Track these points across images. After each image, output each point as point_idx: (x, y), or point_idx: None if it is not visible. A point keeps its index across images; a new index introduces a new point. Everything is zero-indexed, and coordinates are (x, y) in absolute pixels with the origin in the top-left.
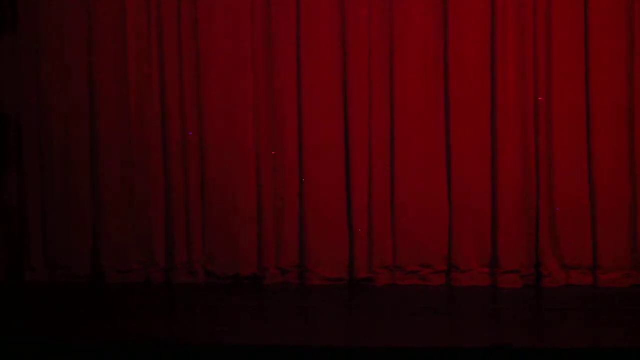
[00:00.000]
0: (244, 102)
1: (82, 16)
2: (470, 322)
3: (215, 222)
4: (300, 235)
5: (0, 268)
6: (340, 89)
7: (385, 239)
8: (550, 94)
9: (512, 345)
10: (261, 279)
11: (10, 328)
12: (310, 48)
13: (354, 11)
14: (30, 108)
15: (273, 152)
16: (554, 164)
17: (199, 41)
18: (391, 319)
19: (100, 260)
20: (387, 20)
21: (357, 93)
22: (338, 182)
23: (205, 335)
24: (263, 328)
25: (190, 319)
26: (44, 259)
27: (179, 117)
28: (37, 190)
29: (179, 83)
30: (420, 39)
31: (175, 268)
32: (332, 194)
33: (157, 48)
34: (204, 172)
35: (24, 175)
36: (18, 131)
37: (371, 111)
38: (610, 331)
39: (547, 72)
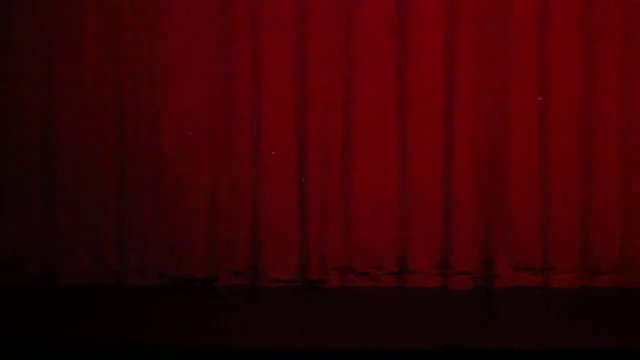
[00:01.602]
0: (200, 103)
1: (38, 18)
2: (422, 323)
3: (167, 223)
4: (253, 236)
5: None
6: (295, 88)
7: (336, 241)
8: (506, 94)
9: (464, 346)
10: (214, 280)
11: None
12: (266, 51)
13: (310, 11)
14: None
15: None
16: (508, 165)
17: (155, 43)
18: (342, 320)
19: (52, 262)
20: (343, 22)
21: (312, 94)
22: (291, 183)
23: (155, 337)
24: (212, 329)
25: (139, 320)
26: None
27: (135, 119)
28: None
29: (135, 85)
30: (376, 39)
31: (127, 270)
32: (285, 195)
33: (114, 49)
34: (158, 173)
35: None
36: None
37: (326, 113)
38: (560, 332)
39: (503, 73)
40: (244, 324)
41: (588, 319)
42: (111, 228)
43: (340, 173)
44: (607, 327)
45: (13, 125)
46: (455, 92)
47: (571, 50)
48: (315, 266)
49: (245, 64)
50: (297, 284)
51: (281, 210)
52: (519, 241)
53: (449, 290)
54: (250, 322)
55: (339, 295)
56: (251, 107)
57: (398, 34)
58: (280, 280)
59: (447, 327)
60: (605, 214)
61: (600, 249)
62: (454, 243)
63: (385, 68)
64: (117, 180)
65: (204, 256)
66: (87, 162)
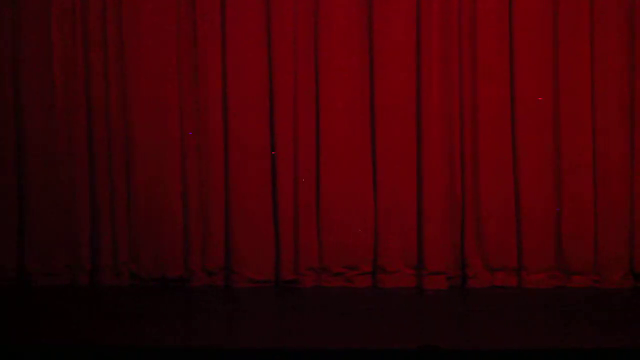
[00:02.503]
0: (170, 105)
1: (7, 19)
2: (397, 323)
3: (141, 223)
4: (227, 237)
5: None
6: (266, 89)
7: (311, 241)
8: (476, 96)
9: (439, 346)
10: (187, 281)
11: None
12: (235, 48)
13: (278, 13)
14: None
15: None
16: (480, 164)
17: (123, 42)
18: (317, 320)
19: (26, 262)
20: (311, 25)
21: (282, 95)
22: (264, 184)
23: (129, 337)
24: (186, 330)
25: (113, 321)
26: None
27: (105, 119)
28: None
29: (105, 85)
30: (345, 40)
31: (100, 270)
32: (258, 195)
33: (83, 49)
34: (130, 172)
35: None
36: None
37: (296, 114)
38: (535, 332)
39: (472, 74)
40: (218, 325)
41: (562, 319)
42: (84, 229)
43: (313, 173)
44: (585, 327)
45: None
46: (425, 92)
47: (540, 49)
48: (289, 267)
49: (214, 61)
50: (271, 285)
51: (255, 211)
52: (493, 241)
53: (424, 291)
54: (225, 323)
55: (313, 296)
56: (222, 107)
57: (367, 34)
58: (254, 281)
59: (422, 328)
60: (578, 214)
61: (574, 250)
62: (428, 243)
63: (355, 69)
64: (89, 181)
65: (177, 256)
66: (60, 163)
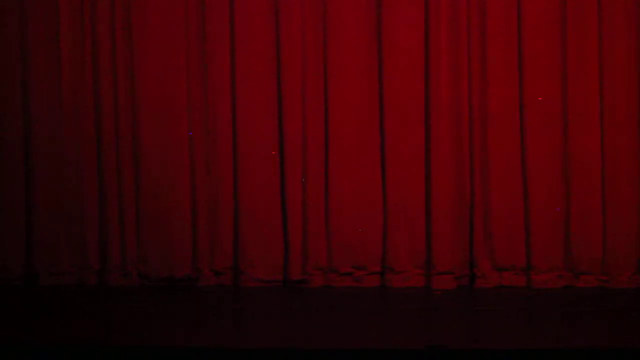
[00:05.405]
0: (179, 105)
1: (14, 17)
2: (405, 323)
3: (149, 223)
4: (235, 236)
5: None
6: (274, 91)
7: (319, 241)
8: (484, 95)
9: (447, 346)
10: (195, 280)
11: None
12: (244, 47)
13: (286, 13)
14: None
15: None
16: (488, 164)
17: (132, 43)
18: (325, 320)
19: (34, 262)
20: (320, 23)
21: (291, 94)
22: (273, 184)
23: (138, 337)
24: (194, 330)
25: (120, 320)
26: None
27: (113, 119)
28: None
29: (113, 84)
30: (353, 39)
31: (108, 270)
32: (267, 195)
33: (91, 48)
34: (138, 173)
35: None
36: None
37: (305, 114)
38: (543, 332)
39: (480, 74)
40: (226, 325)
41: (571, 319)
42: (93, 229)
43: (322, 174)
44: (593, 327)
45: None
46: (434, 92)
47: (548, 50)
48: (297, 266)
49: (223, 60)
50: (279, 284)
51: (263, 211)
52: (501, 241)
53: (432, 290)
54: (232, 323)
55: (321, 296)
56: (230, 106)
57: (376, 33)
58: (262, 281)
59: (430, 327)
60: (587, 214)
61: (582, 249)
62: (436, 243)
63: (364, 68)
64: (97, 181)
65: (185, 256)
66: (68, 162)
